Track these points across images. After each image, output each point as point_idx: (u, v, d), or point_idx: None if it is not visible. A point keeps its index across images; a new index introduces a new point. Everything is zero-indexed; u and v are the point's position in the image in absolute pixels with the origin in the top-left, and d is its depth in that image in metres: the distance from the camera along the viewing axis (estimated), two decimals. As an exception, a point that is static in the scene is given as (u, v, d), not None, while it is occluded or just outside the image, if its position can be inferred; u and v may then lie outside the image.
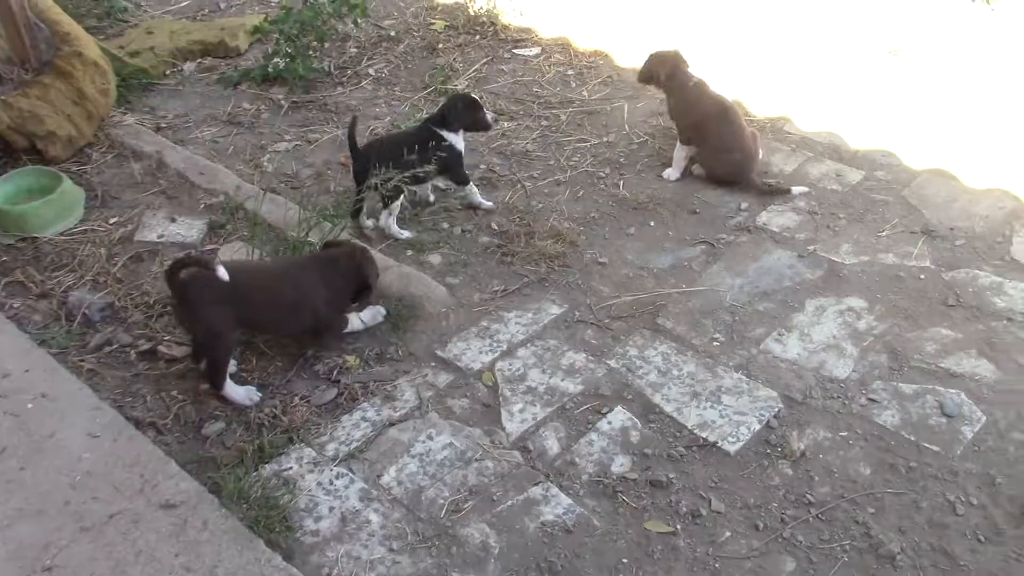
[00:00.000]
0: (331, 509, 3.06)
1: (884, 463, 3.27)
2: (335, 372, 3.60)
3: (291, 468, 3.19)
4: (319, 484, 3.14)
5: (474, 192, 4.59)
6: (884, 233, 4.44)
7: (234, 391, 3.45)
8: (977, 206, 4.63)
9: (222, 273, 3.27)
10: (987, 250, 4.31)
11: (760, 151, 4.80)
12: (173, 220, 4.40)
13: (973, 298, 4.01)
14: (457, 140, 4.41)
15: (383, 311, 3.83)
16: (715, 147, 4.70)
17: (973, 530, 3.03)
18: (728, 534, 3.04)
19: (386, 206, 4.34)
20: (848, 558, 2.95)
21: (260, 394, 3.48)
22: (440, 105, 4.52)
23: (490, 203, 4.62)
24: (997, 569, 2.91)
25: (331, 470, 3.19)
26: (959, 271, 4.18)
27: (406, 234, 4.41)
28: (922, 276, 4.15)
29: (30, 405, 3.27)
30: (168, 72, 5.90)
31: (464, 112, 4.37)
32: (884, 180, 4.87)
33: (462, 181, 4.53)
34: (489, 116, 4.44)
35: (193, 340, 3.52)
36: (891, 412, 3.46)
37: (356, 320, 3.74)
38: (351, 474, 3.18)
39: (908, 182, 4.85)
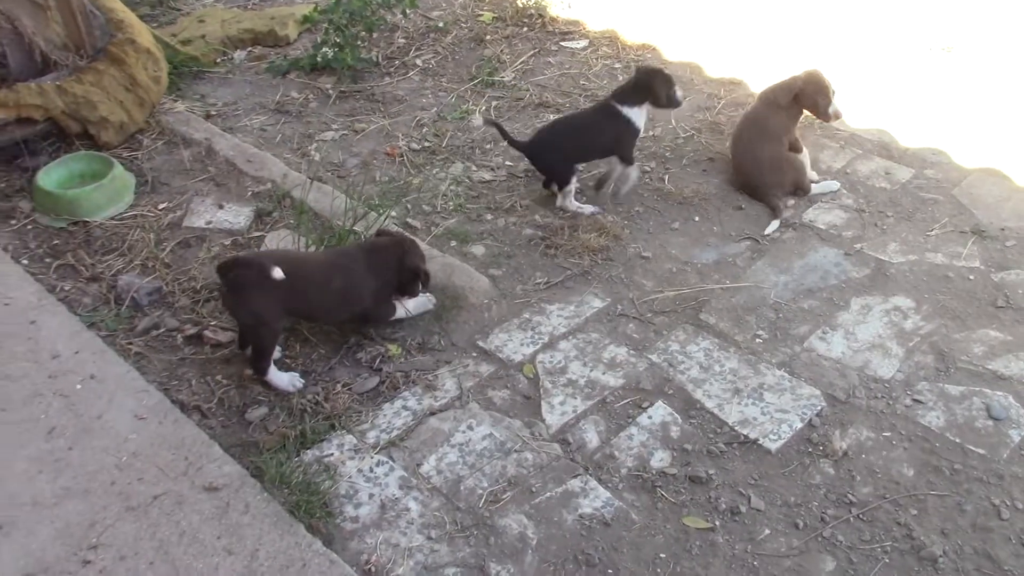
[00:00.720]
0: (371, 496, 3.09)
1: (928, 465, 3.23)
2: (377, 360, 3.63)
3: (332, 454, 3.22)
4: (359, 471, 3.17)
5: (632, 177, 4.62)
6: (933, 232, 4.38)
7: (278, 377, 3.49)
8: (1029, 206, 4.56)
9: (278, 274, 3.32)
10: (1039, 251, 4.24)
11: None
12: (221, 207, 4.45)
13: (1023, 300, 3.94)
14: (637, 117, 4.47)
15: (432, 300, 3.85)
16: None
17: (1018, 535, 2.99)
18: (767, 532, 3.03)
19: (560, 188, 4.49)
20: (889, 559, 2.92)
21: (303, 381, 3.52)
22: (628, 80, 4.56)
23: (636, 170, 4.66)
24: (1042, 575, 2.87)
25: (371, 457, 3.22)
26: (1009, 272, 4.11)
27: (589, 208, 4.53)
28: (971, 276, 4.09)
29: (79, 386, 3.34)
30: (219, 60, 5.97)
31: (658, 87, 4.42)
32: (934, 179, 4.80)
33: (628, 161, 4.56)
34: (679, 93, 4.47)
35: (239, 326, 3.57)
36: (936, 413, 3.42)
37: (401, 309, 3.76)
38: (391, 462, 3.21)
39: (958, 181, 4.77)
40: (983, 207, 4.56)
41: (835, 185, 4.65)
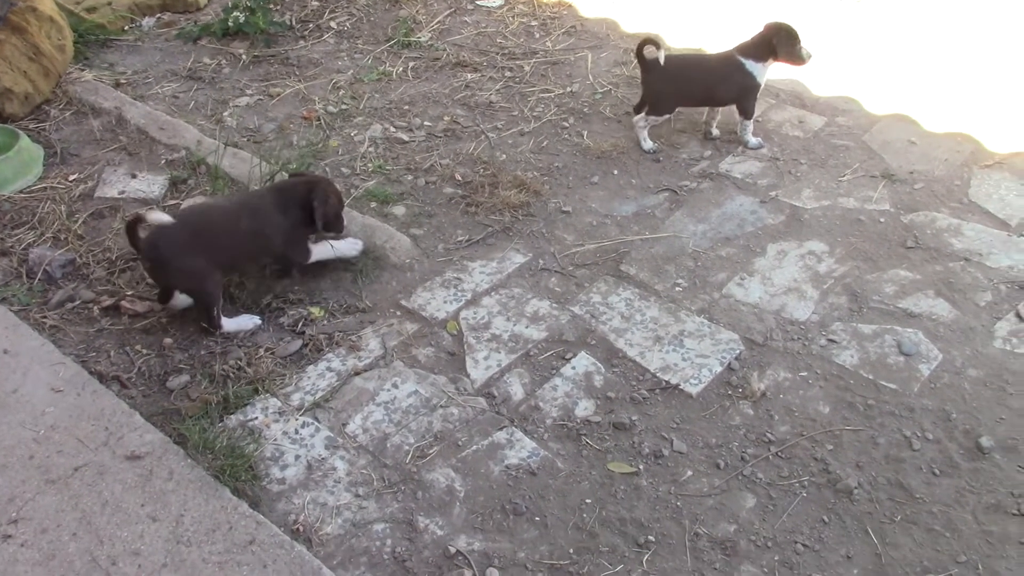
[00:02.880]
0: (297, 457, 3.09)
1: (843, 401, 3.33)
2: (300, 324, 3.61)
3: (256, 418, 3.21)
4: (285, 433, 3.16)
5: (749, 129, 4.69)
6: (845, 178, 4.48)
7: (234, 324, 3.53)
8: (937, 150, 4.67)
9: (157, 217, 3.35)
10: (946, 193, 4.35)
11: None
12: (134, 176, 4.36)
13: (931, 240, 4.06)
14: (760, 72, 4.54)
15: (360, 243, 3.84)
16: None
17: (928, 464, 3.10)
18: (690, 473, 3.10)
19: (651, 114, 4.61)
20: (807, 493, 3.01)
21: (259, 318, 3.57)
22: (755, 34, 4.55)
23: (758, 140, 4.73)
24: (951, 501, 2.98)
25: (296, 419, 3.21)
26: (918, 213, 4.23)
27: (649, 144, 4.66)
28: (882, 219, 4.20)
29: (-8, 361, 3.27)
30: (126, 28, 5.82)
31: (785, 42, 4.47)
32: (845, 126, 4.90)
33: (747, 114, 4.65)
34: (805, 50, 4.50)
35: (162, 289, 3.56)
36: (850, 352, 3.52)
37: (324, 249, 3.76)
38: (317, 423, 3.21)
39: (869, 127, 4.88)
40: (892, 152, 4.67)
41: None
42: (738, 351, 3.53)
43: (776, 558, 2.84)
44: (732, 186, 4.44)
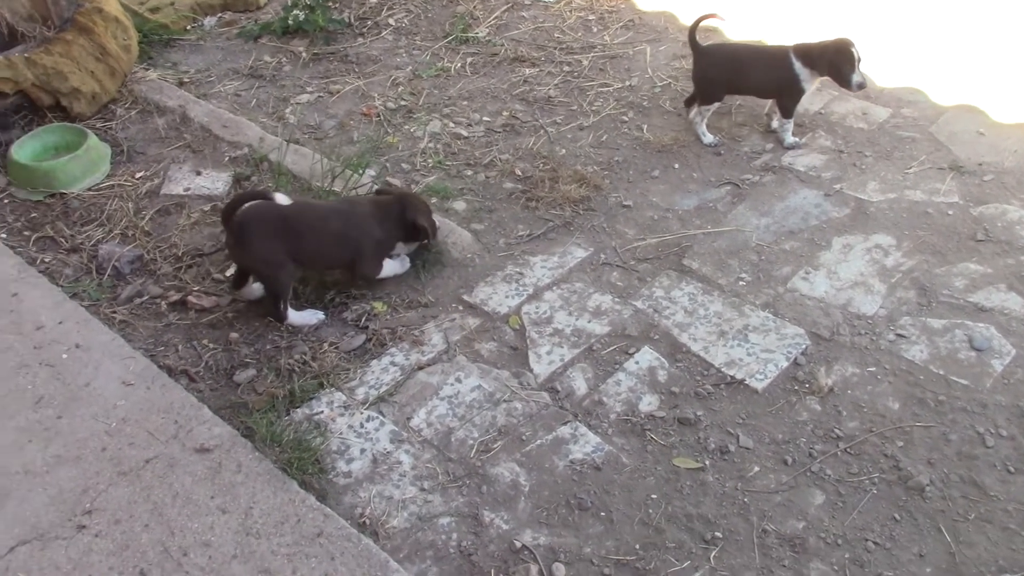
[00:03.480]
0: (362, 451, 3.10)
1: (913, 397, 3.27)
2: (363, 318, 3.63)
3: (322, 412, 3.23)
4: (350, 427, 3.19)
5: (788, 129, 4.62)
6: (912, 170, 4.40)
7: (298, 317, 3.58)
8: (1006, 140, 4.57)
9: (282, 199, 3.47)
10: (1016, 184, 4.25)
11: None
12: (198, 173, 4.42)
13: (1002, 232, 3.97)
14: (807, 78, 4.46)
15: (406, 264, 3.85)
16: None
17: (1003, 461, 3.03)
18: (757, 469, 3.06)
19: (702, 103, 4.60)
20: (877, 490, 2.97)
21: (323, 314, 3.63)
22: (821, 41, 4.45)
23: (795, 139, 4.65)
24: (1027, 499, 2.92)
25: (361, 413, 3.23)
26: (988, 206, 4.14)
27: (709, 138, 4.63)
28: (950, 212, 4.11)
29: (65, 356, 3.33)
30: (189, 27, 5.89)
31: (840, 62, 4.35)
32: (911, 117, 4.80)
33: (787, 113, 4.58)
34: (856, 78, 4.35)
35: (238, 270, 3.64)
36: (920, 347, 3.45)
37: (394, 266, 3.79)
38: (381, 417, 3.22)
39: (935, 118, 4.78)
40: (960, 143, 4.57)
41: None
42: (804, 346, 3.48)
43: (846, 556, 2.80)
44: (795, 179, 4.38)
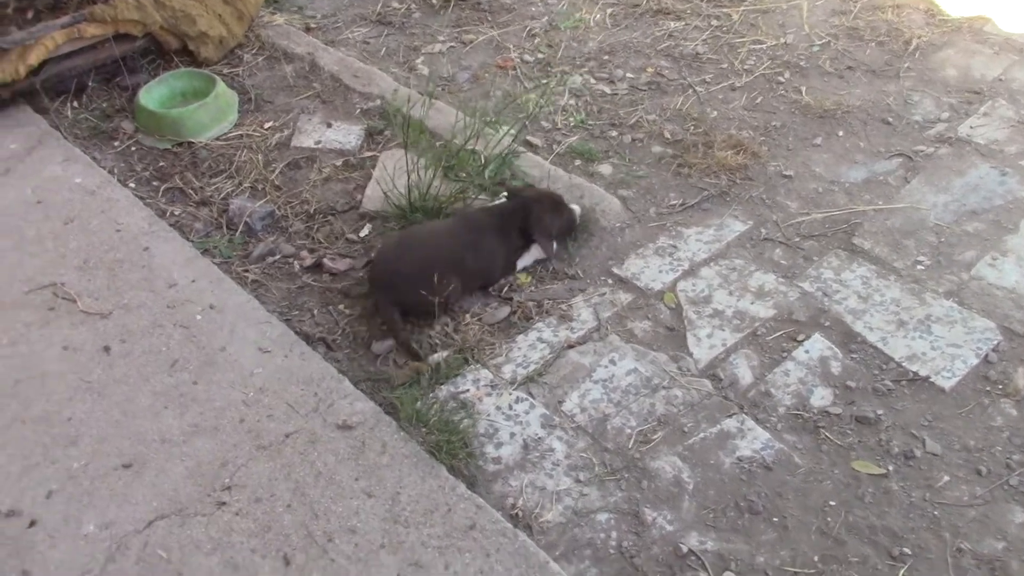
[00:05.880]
0: (512, 435, 2.88)
1: None
2: (506, 289, 3.39)
3: (468, 390, 3.01)
4: (498, 408, 2.96)
5: None
6: (1108, 146, 3.97)
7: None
8: None
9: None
10: None
11: None
12: (329, 125, 4.21)
13: None
14: None
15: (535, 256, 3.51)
16: None
17: None
18: (946, 479, 2.75)
19: None
20: (1089, 512, 2.64)
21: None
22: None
23: None
24: None
25: (510, 394, 3.00)
26: None
27: None
28: None
29: (199, 317, 3.17)
30: (314, -30, 5.67)
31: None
32: (1103, 86, 4.35)
33: None
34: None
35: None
36: None
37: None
38: (531, 399, 2.99)
39: None
40: None
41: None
42: (996, 341, 3.13)
43: (1053, 584, 2.49)
44: (975, 152, 3.98)
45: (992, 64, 4.51)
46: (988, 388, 3.00)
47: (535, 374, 3.06)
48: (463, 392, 3.00)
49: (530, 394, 3.00)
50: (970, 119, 4.16)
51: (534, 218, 3.37)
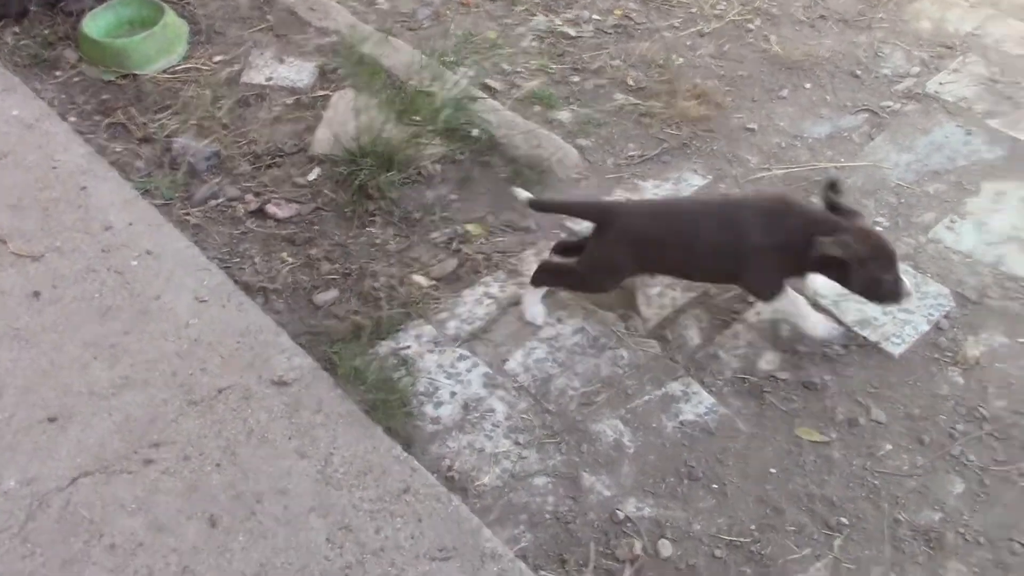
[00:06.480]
0: (452, 394, 2.82)
1: (1074, 376, 2.89)
2: (455, 241, 3.31)
3: (409, 347, 2.94)
4: (439, 366, 2.90)
5: None
6: (1078, 107, 3.89)
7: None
8: None
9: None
10: None
11: None
12: (281, 61, 4.06)
13: None
14: None
15: (837, 330, 3.03)
16: None
17: None
18: (889, 447, 2.73)
19: None
20: (1028, 484, 2.62)
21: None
22: None
23: None
24: None
25: (453, 351, 2.93)
26: None
27: None
28: (1123, 160, 3.63)
29: (135, 263, 3.07)
30: None
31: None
32: (1078, 44, 4.25)
33: None
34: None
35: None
36: (1083, 318, 3.05)
37: (818, 325, 3.00)
38: (474, 356, 2.93)
39: (1107, 48, 4.23)
40: None
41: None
42: (947, 308, 3.09)
43: (988, 557, 2.48)
44: (941, 110, 3.89)
45: (967, 17, 4.39)
46: (937, 356, 2.96)
47: (479, 331, 3.00)
48: (404, 348, 2.94)
49: (473, 351, 2.94)
50: (940, 75, 4.06)
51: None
